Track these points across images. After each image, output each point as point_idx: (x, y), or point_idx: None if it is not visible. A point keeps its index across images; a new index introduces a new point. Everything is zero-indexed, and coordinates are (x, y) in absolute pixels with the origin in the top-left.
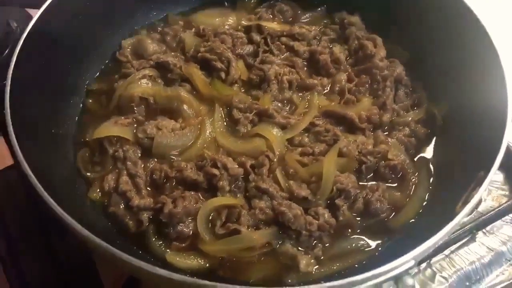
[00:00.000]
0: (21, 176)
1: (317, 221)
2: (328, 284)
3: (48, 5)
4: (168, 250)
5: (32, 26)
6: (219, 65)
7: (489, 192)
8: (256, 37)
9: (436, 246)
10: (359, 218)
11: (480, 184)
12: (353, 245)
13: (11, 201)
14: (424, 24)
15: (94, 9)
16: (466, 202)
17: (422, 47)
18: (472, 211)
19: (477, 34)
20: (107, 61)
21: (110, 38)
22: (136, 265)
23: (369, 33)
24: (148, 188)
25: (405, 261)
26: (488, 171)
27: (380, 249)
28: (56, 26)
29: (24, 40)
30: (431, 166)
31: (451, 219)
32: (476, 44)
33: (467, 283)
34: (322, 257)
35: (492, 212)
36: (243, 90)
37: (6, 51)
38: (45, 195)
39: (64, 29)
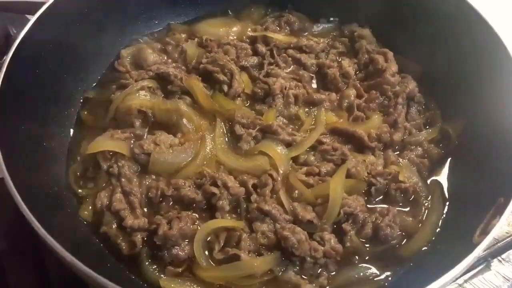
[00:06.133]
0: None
1: (322, 247)
2: None
3: (44, 11)
4: (162, 275)
5: (26, 32)
6: (221, 77)
7: None
8: (262, 48)
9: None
10: (367, 245)
11: (500, 212)
12: (361, 274)
13: (1, 213)
14: (438, 38)
15: (93, 16)
16: (485, 232)
17: (436, 62)
18: None
19: (494, 48)
20: (105, 71)
21: (109, 47)
22: None
23: (380, 46)
24: (143, 207)
25: None
26: (509, 197)
27: (390, 279)
28: (51, 33)
29: (16, 47)
30: (445, 189)
31: (469, 250)
32: (493, 60)
33: None
34: (327, 287)
35: (509, 238)
36: (246, 104)
37: (4, 57)
38: (29, 214)
39: (60, 36)
